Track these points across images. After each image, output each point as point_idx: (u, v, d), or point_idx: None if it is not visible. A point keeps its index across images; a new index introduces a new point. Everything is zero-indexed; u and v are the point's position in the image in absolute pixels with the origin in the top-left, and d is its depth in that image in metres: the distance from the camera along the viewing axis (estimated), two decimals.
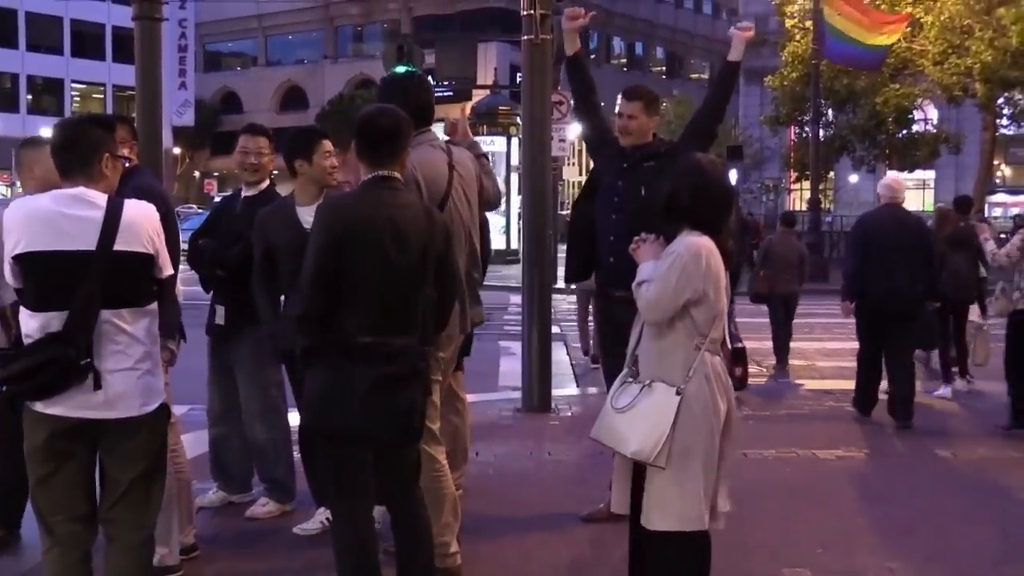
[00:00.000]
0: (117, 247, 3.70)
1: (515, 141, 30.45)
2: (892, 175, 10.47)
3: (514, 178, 30.84)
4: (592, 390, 10.49)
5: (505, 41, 44.52)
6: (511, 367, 11.57)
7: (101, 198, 3.75)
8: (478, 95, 35.22)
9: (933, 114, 42.07)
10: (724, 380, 4.17)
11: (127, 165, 4.32)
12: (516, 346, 11.39)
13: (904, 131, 34.34)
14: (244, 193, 6.01)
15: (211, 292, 5.94)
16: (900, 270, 8.75)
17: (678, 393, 4.04)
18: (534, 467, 7.34)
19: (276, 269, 5.35)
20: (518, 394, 9.51)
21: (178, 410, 4.85)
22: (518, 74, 49.73)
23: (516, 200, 30.66)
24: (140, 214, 3.81)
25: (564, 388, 10.57)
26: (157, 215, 3.91)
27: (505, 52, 48.41)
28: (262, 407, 5.87)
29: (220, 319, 5.83)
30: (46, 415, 3.68)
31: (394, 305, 4.07)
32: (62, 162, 3.82)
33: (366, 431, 4.03)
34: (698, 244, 4.07)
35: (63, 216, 3.68)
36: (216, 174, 63.08)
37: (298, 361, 4.20)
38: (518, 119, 31.84)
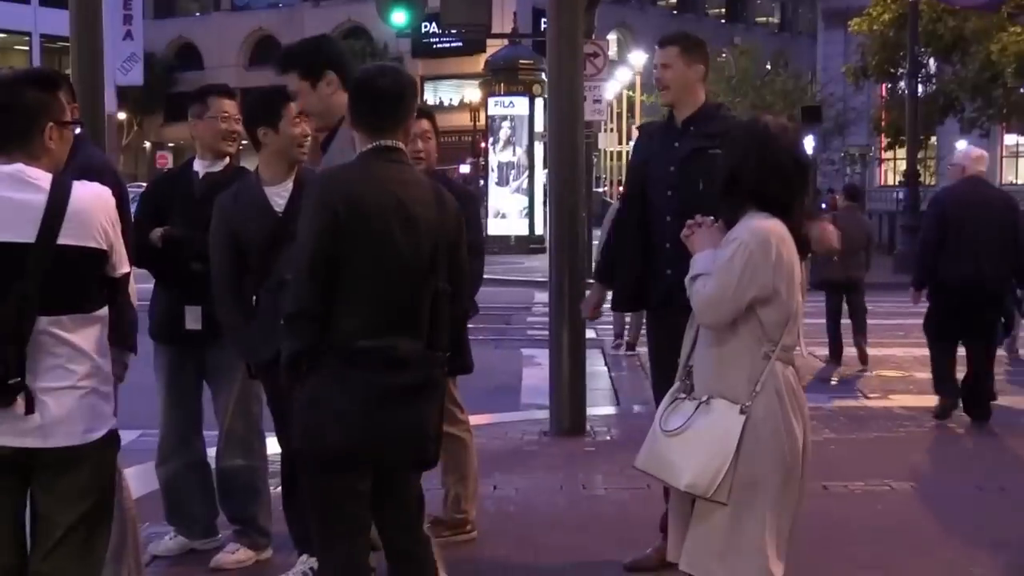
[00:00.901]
0: (62, 240, 3.67)
1: (539, 102, 30.50)
2: (971, 148, 10.85)
3: (538, 148, 30.93)
4: (636, 408, 10.53)
5: None
6: (536, 380, 11.60)
7: (44, 178, 3.72)
8: (493, 46, 35.33)
9: None
10: (799, 396, 4.20)
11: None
12: (542, 354, 11.42)
13: None
14: (204, 169, 6.02)
15: (172, 291, 5.96)
16: (983, 253, 9.23)
17: (742, 412, 4.06)
18: (566, 503, 7.37)
19: (242, 265, 5.38)
20: (545, 413, 9.55)
21: (127, 436, 4.91)
22: (542, 20, 50.14)
23: (541, 175, 30.76)
24: (92, 200, 3.79)
25: (601, 406, 10.61)
26: (112, 201, 3.89)
27: None
28: (244, 428, 5.91)
29: (194, 323, 5.82)
30: None
31: (401, 302, 4.13)
32: None
33: (372, 453, 4.09)
34: (767, 229, 4.09)
35: None
36: (171, 145, 63.30)
37: (283, 372, 4.21)
38: (543, 75, 31.99)
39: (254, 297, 5.44)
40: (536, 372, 12.28)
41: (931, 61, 34.38)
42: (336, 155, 4.77)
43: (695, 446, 4.10)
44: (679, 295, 5.46)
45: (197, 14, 71.38)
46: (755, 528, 4.09)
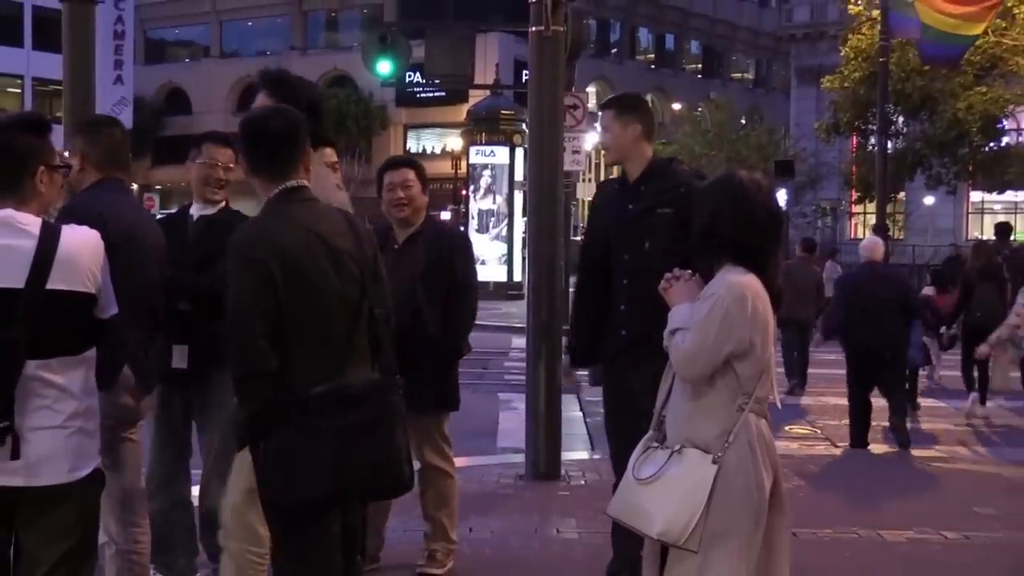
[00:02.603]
0: (51, 285, 3.67)
1: (520, 152, 30.59)
2: (870, 239, 13.19)
3: (518, 196, 30.99)
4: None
5: (509, 32, 44.75)
6: (512, 425, 11.60)
7: (34, 223, 3.71)
8: (476, 96, 35.42)
9: None
10: (770, 448, 4.19)
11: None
12: (519, 399, 11.42)
13: (992, 144, 34.37)
14: (199, 212, 6.04)
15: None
16: (882, 320, 11.03)
17: (715, 462, 4.05)
18: (540, 547, 7.34)
19: None
20: (521, 457, 9.53)
21: None
22: (524, 71, 50.20)
23: (520, 223, 30.78)
24: (81, 245, 3.79)
25: (576, 451, 10.59)
26: (101, 245, 3.88)
27: (508, 45, 48.67)
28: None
29: (181, 362, 5.79)
30: None
31: (344, 337, 4.10)
32: None
33: (349, 493, 4.08)
34: (742, 284, 4.10)
35: None
36: (158, 187, 63.24)
37: (245, 432, 4.13)
38: (524, 126, 32.09)
39: None
40: (513, 416, 12.28)
41: (900, 119, 34.64)
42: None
43: (667, 494, 4.08)
44: (630, 352, 5.59)
45: (187, 60, 71.46)
46: (723, 572, 4.07)
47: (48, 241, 3.69)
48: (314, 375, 4.01)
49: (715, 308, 4.06)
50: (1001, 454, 11.35)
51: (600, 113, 6.08)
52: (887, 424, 11.53)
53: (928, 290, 16.13)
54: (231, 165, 6.03)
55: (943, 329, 14.24)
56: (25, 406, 3.65)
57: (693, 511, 4.02)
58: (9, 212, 3.71)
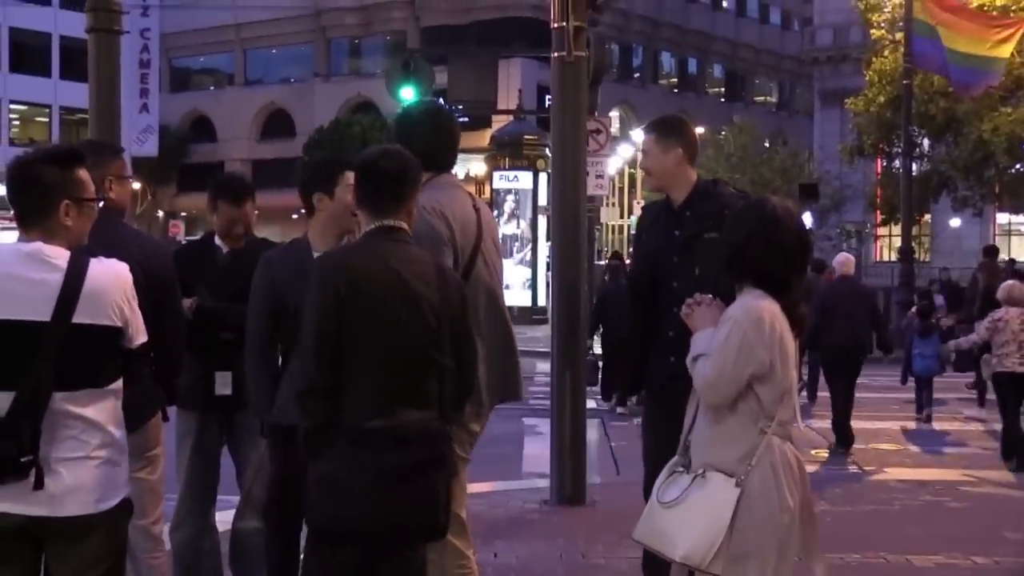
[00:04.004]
0: (77, 319, 3.69)
1: (543, 177, 30.62)
2: (842, 255, 14.94)
3: (542, 221, 31.01)
4: (637, 478, 10.46)
5: (531, 57, 44.93)
6: (537, 450, 11.58)
7: (61, 257, 3.74)
8: (499, 122, 35.53)
9: None
10: (795, 470, 4.19)
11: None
12: (542, 424, 11.41)
13: (1018, 165, 34.21)
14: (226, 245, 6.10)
15: (201, 359, 5.94)
16: (853, 326, 13.05)
17: (737, 485, 4.07)
18: (565, 572, 7.33)
19: (277, 331, 5.36)
20: (546, 482, 9.52)
21: None
22: (547, 97, 50.05)
23: (544, 247, 30.78)
24: (108, 278, 3.81)
25: (601, 476, 10.56)
26: (130, 278, 3.90)
27: (531, 70, 48.86)
28: (263, 492, 5.85)
29: (224, 388, 5.82)
30: None
31: (407, 378, 4.15)
32: (18, 210, 3.82)
33: (383, 530, 4.10)
34: (759, 308, 4.12)
35: (14, 278, 3.68)
36: (183, 214, 63.58)
37: (301, 447, 4.24)
38: (547, 151, 32.13)
39: (280, 357, 5.42)
40: (537, 441, 12.28)
41: (925, 141, 34.55)
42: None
43: (690, 518, 4.10)
44: (678, 379, 5.50)
45: (211, 88, 71.95)
46: None
47: (75, 275, 3.72)
48: (370, 410, 4.07)
49: (732, 333, 4.08)
50: None
51: (642, 137, 5.97)
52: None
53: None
54: (249, 216, 6.13)
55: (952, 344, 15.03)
56: (52, 437, 3.67)
57: (716, 534, 4.03)
58: (38, 245, 3.74)
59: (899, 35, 28.83)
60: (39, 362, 3.63)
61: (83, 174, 3.90)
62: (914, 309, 17.17)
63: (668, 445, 5.29)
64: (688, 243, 5.63)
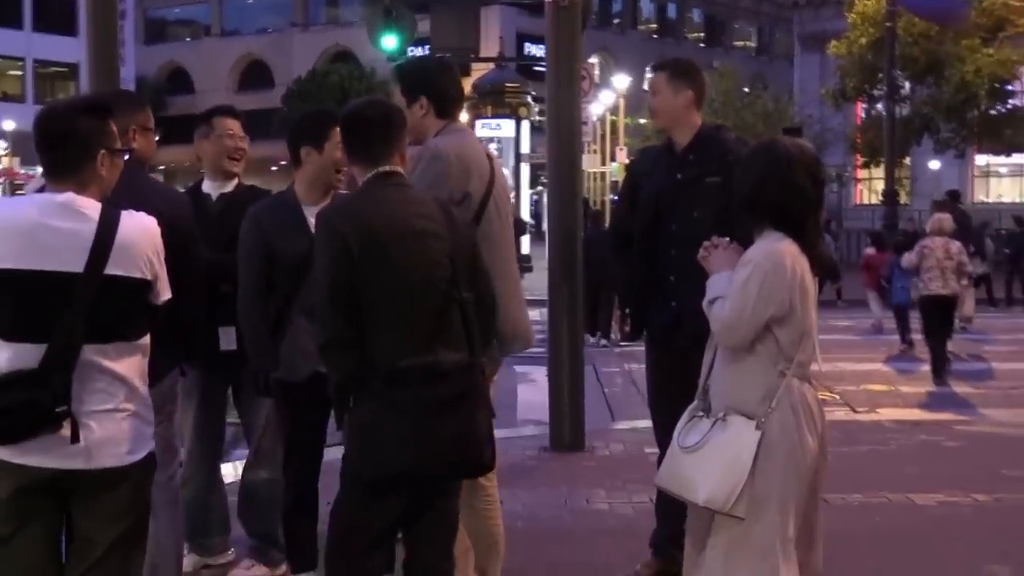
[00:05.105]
0: (109, 270, 3.67)
1: (525, 124, 30.50)
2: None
3: (524, 169, 30.92)
4: (632, 424, 10.52)
5: (509, 4, 44.63)
6: (532, 397, 11.62)
7: (94, 208, 3.71)
8: (478, 70, 35.33)
9: None
10: (815, 412, 4.21)
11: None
12: (536, 371, 11.44)
13: (1000, 106, 34.25)
14: (216, 190, 6.01)
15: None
16: None
17: (758, 427, 4.08)
18: (572, 518, 7.38)
19: (269, 285, 5.33)
20: (542, 429, 9.57)
21: None
22: (526, 43, 49.77)
23: (526, 195, 30.73)
24: (139, 231, 3.79)
25: (597, 422, 10.57)
26: (158, 231, 3.88)
27: (509, 17, 48.53)
28: (272, 443, 5.84)
29: (229, 344, 5.73)
30: (17, 465, 3.63)
31: (430, 318, 4.16)
32: (49, 161, 3.78)
33: (431, 468, 4.13)
34: (780, 250, 4.11)
35: (47, 229, 3.65)
36: (161, 168, 63.12)
37: (332, 401, 4.28)
38: (528, 98, 32.02)
39: (276, 312, 5.39)
40: (531, 388, 12.32)
41: (907, 83, 34.53)
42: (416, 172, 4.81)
43: (712, 462, 4.11)
44: (683, 326, 5.51)
45: (188, 39, 71.40)
46: (767, 536, 4.10)
47: (107, 226, 3.69)
48: (400, 351, 4.07)
49: (753, 274, 4.08)
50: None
51: (650, 75, 5.93)
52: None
53: (869, 250, 19.10)
54: (243, 135, 6.06)
55: (885, 282, 16.91)
56: (82, 390, 3.66)
57: (738, 477, 4.05)
58: (70, 196, 3.71)
59: None
60: (72, 313, 3.61)
61: (113, 125, 3.89)
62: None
63: (673, 390, 5.33)
64: (689, 186, 5.63)
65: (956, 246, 13.85)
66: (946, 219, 14.31)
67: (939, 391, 13.17)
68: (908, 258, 14.08)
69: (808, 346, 4.19)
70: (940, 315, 13.72)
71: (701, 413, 4.25)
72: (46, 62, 59.33)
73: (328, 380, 4.40)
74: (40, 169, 3.94)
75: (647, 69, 6.03)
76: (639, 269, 5.87)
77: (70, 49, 56.52)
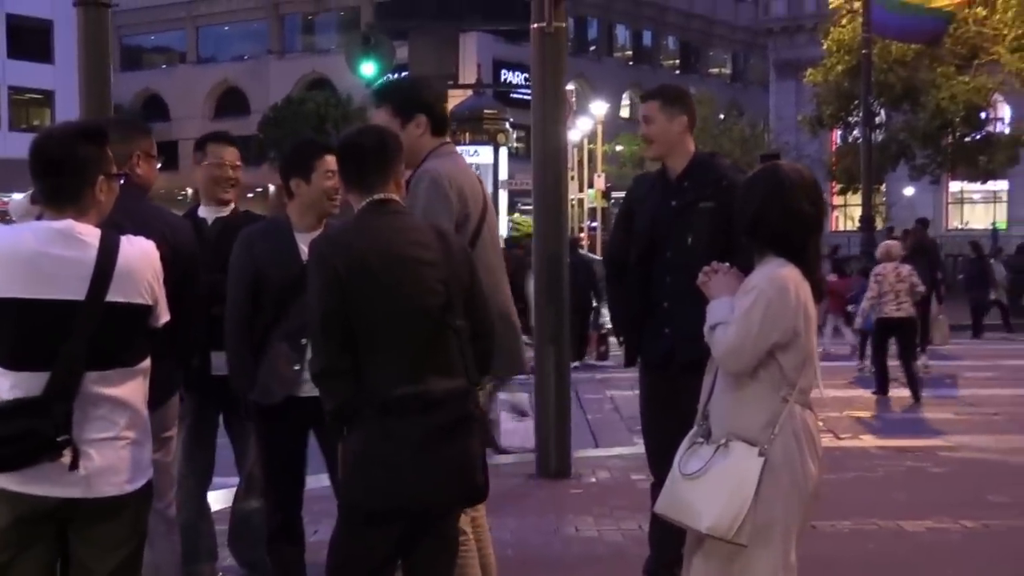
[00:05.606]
0: (110, 297, 3.65)
1: (504, 151, 30.54)
2: None
3: (503, 195, 30.95)
4: (617, 451, 10.50)
5: (486, 31, 44.78)
6: (514, 424, 11.52)
7: (93, 235, 3.69)
8: (455, 96, 35.38)
9: (1005, 112, 42.26)
10: (815, 438, 4.18)
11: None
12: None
13: (974, 133, 34.47)
14: (212, 215, 5.99)
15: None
16: None
17: (761, 454, 4.04)
18: (561, 546, 7.33)
19: (256, 303, 5.29)
20: (527, 457, 9.52)
21: None
22: (503, 71, 49.83)
23: (504, 221, 30.76)
24: (139, 257, 3.77)
25: (582, 449, 10.54)
26: (157, 255, 3.86)
27: (487, 45, 48.70)
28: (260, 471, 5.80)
29: (222, 369, 5.64)
30: (16, 494, 3.59)
31: (425, 346, 4.13)
32: (47, 188, 3.75)
33: (425, 499, 4.10)
34: (783, 276, 4.09)
35: (47, 257, 3.62)
36: None
37: (328, 430, 4.27)
38: (507, 124, 32.09)
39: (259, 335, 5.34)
40: (515, 415, 12.22)
41: (882, 110, 34.74)
42: (415, 197, 4.78)
43: (715, 489, 4.07)
44: (677, 354, 5.49)
45: (163, 66, 71.30)
46: (770, 563, 4.07)
47: (107, 253, 3.66)
48: (394, 380, 4.04)
49: (758, 300, 4.04)
50: (1007, 442, 11.34)
51: (641, 103, 5.87)
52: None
53: (831, 277, 19.42)
54: (237, 163, 6.03)
55: (850, 307, 17.39)
56: (83, 418, 3.63)
57: (742, 504, 4.01)
58: (69, 223, 3.68)
59: (857, 3, 28.92)
60: (73, 341, 3.59)
61: (113, 150, 3.89)
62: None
63: (667, 417, 5.30)
64: (684, 213, 5.61)
65: (906, 269, 14.50)
66: (893, 245, 15.31)
67: (922, 417, 13.20)
68: (870, 291, 14.63)
69: (810, 372, 4.16)
70: (899, 337, 14.45)
71: (701, 439, 4.21)
72: (21, 89, 58.94)
73: (303, 406, 4.50)
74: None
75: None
76: (634, 296, 5.84)
77: (45, 76, 56.35)
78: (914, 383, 14.22)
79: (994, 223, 50.52)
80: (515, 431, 10.51)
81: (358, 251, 4.12)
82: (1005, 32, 29.02)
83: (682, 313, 5.30)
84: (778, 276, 4.08)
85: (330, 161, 5.17)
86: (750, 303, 4.05)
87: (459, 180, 4.97)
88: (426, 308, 4.15)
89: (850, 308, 17.78)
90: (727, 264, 4.32)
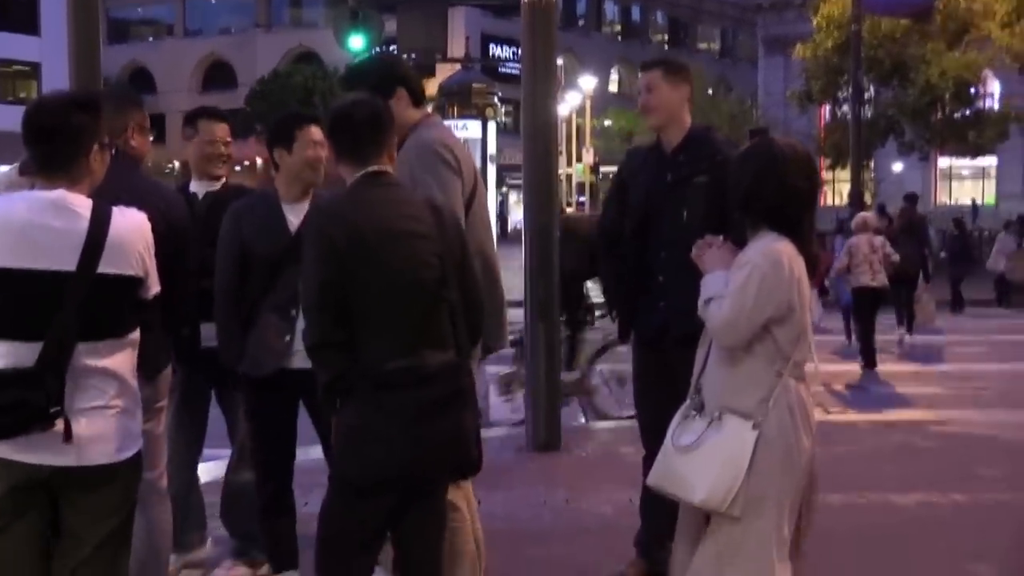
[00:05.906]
0: (101, 268, 3.64)
1: (492, 125, 30.49)
2: None
3: (491, 169, 30.91)
4: (605, 423, 10.51)
5: (476, 5, 44.63)
6: (504, 397, 11.53)
7: (85, 205, 3.67)
8: (443, 71, 35.32)
9: (995, 88, 42.20)
10: (809, 412, 4.19)
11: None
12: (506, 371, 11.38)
13: (964, 109, 34.44)
14: (203, 189, 5.97)
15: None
16: None
17: (755, 427, 4.05)
18: (551, 518, 7.35)
19: (245, 275, 5.28)
20: (517, 430, 9.52)
21: None
22: (491, 45, 49.81)
23: (493, 195, 30.74)
24: (131, 228, 3.76)
25: (570, 420, 10.55)
26: (149, 227, 3.85)
27: (474, 19, 48.56)
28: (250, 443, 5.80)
29: (211, 340, 5.62)
30: (13, 462, 3.59)
31: (420, 319, 4.12)
32: (41, 156, 3.73)
33: (417, 471, 4.11)
34: (777, 250, 4.08)
35: (39, 227, 3.60)
36: None
37: (321, 402, 4.25)
38: (495, 99, 32.03)
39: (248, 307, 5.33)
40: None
41: (871, 86, 34.71)
42: (403, 166, 4.74)
43: (708, 462, 4.08)
44: (672, 328, 5.48)
45: (150, 39, 71.04)
46: (763, 536, 4.09)
47: (99, 224, 3.65)
48: (388, 353, 4.04)
49: (752, 274, 4.04)
50: (995, 416, 11.38)
51: (642, 73, 5.79)
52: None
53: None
54: (228, 139, 6.02)
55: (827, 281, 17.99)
56: (74, 387, 3.62)
57: (734, 478, 4.02)
58: (62, 193, 3.67)
59: None
60: (64, 312, 3.58)
61: (108, 120, 3.89)
62: None
63: (660, 391, 5.31)
64: (679, 187, 5.59)
65: (879, 240, 15.00)
66: (869, 217, 15.99)
67: (911, 391, 13.23)
68: (838, 262, 15.20)
69: (804, 345, 4.16)
70: (871, 304, 14.94)
71: (694, 412, 4.22)
72: (7, 60, 58.56)
73: (293, 378, 4.55)
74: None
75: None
76: (628, 270, 5.83)
77: (31, 48, 56.03)
78: (870, 351, 14.73)
79: (973, 200, 50.67)
80: (501, 406, 10.57)
81: (354, 223, 4.10)
82: (995, 7, 29.00)
83: (677, 287, 5.28)
84: (772, 250, 4.07)
85: (312, 131, 5.21)
86: (744, 277, 4.04)
87: (457, 151, 4.96)
88: (421, 281, 4.14)
89: (827, 283, 18.52)
90: (721, 238, 4.31)
